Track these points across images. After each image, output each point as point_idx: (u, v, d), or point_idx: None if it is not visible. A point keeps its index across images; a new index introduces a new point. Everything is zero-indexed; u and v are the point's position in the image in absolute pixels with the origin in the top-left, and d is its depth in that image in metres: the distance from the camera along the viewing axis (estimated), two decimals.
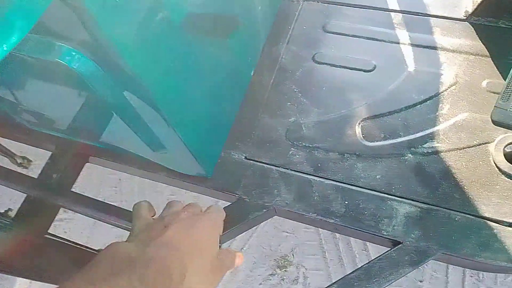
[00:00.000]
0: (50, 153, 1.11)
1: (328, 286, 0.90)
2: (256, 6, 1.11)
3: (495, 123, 0.76)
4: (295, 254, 1.53)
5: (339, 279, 0.90)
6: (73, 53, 0.59)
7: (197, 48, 0.82)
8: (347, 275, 0.90)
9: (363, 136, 1.03)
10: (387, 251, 0.91)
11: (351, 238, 1.50)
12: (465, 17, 1.12)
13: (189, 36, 0.77)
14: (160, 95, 0.70)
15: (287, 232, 1.55)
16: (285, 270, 1.51)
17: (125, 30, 0.58)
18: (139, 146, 0.88)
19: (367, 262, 0.91)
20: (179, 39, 0.73)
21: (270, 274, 1.51)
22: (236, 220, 0.97)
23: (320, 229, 1.53)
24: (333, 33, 1.19)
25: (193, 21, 0.76)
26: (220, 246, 0.74)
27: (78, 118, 0.91)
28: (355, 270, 0.91)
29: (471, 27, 1.10)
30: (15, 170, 1.14)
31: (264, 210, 0.97)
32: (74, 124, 0.96)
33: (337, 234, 1.52)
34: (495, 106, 0.75)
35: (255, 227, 1.57)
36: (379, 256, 0.90)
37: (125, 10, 0.56)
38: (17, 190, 1.10)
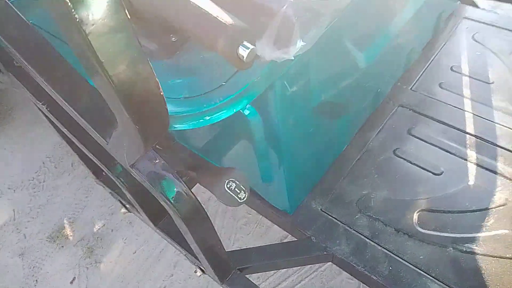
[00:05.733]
0: None
1: None
2: (363, 100, 1.45)
3: None
4: None
5: None
6: (250, 107, 0.95)
7: (311, 122, 1.17)
8: None
9: (417, 222, 1.28)
10: None
11: None
12: None
13: (317, 116, 1.13)
14: (288, 144, 1.04)
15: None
16: None
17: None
18: (254, 175, 1.22)
19: None
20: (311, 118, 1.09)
21: None
22: (300, 253, 1.26)
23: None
24: (414, 136, 1.48)
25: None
26: None
27: (214, 143, 1.29)
28: None
29: None
30: None
31: (324, 253, 1.25)
32: (207, 146, 1.34)
33: None
34: None
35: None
36: None
37: None
38: None
